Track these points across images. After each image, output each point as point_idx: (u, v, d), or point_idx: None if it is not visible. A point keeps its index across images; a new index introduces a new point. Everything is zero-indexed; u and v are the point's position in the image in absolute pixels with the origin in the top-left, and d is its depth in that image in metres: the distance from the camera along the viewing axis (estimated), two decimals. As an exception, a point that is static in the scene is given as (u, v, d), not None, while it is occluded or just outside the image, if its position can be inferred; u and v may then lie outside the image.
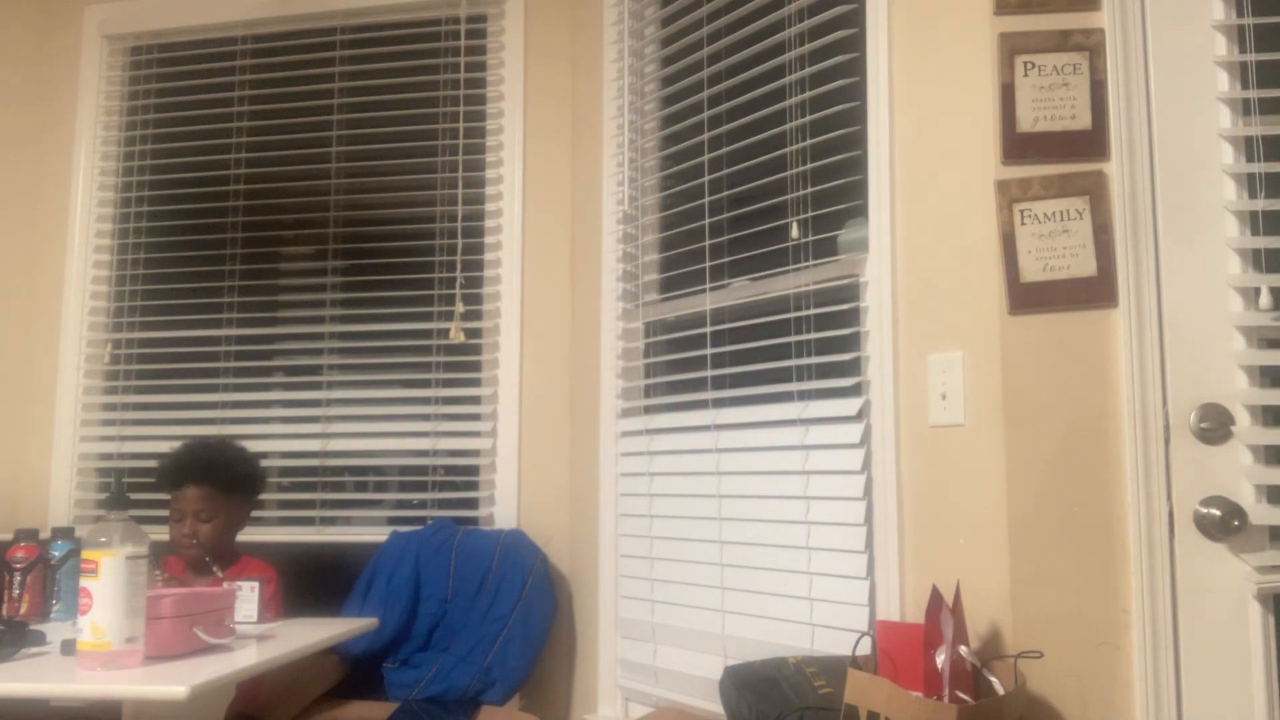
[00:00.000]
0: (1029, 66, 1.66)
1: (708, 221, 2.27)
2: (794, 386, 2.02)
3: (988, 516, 1.63)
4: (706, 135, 2.29)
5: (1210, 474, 1.54)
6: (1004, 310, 1.64)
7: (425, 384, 2.84)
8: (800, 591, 1.94)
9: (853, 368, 1.92)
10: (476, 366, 2.83)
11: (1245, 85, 1.61)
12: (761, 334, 2.12)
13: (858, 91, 1.93)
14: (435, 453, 2.80)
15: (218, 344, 2.95)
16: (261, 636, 1.82)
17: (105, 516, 1.56)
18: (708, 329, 2.24)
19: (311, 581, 2.48)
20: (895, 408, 1.80)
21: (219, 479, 2.24)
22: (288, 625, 1.96)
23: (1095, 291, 1.61)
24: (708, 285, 2.25)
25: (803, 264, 2.04)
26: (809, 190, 2.04)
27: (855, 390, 1.90)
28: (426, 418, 2.82)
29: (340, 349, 2.92)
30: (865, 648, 1.57)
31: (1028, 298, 1.63)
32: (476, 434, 2.78)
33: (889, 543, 1.78)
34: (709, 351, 2.23)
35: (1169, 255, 1.59)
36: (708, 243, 2.26)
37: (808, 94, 2.05)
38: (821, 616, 1.89)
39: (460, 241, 2.83)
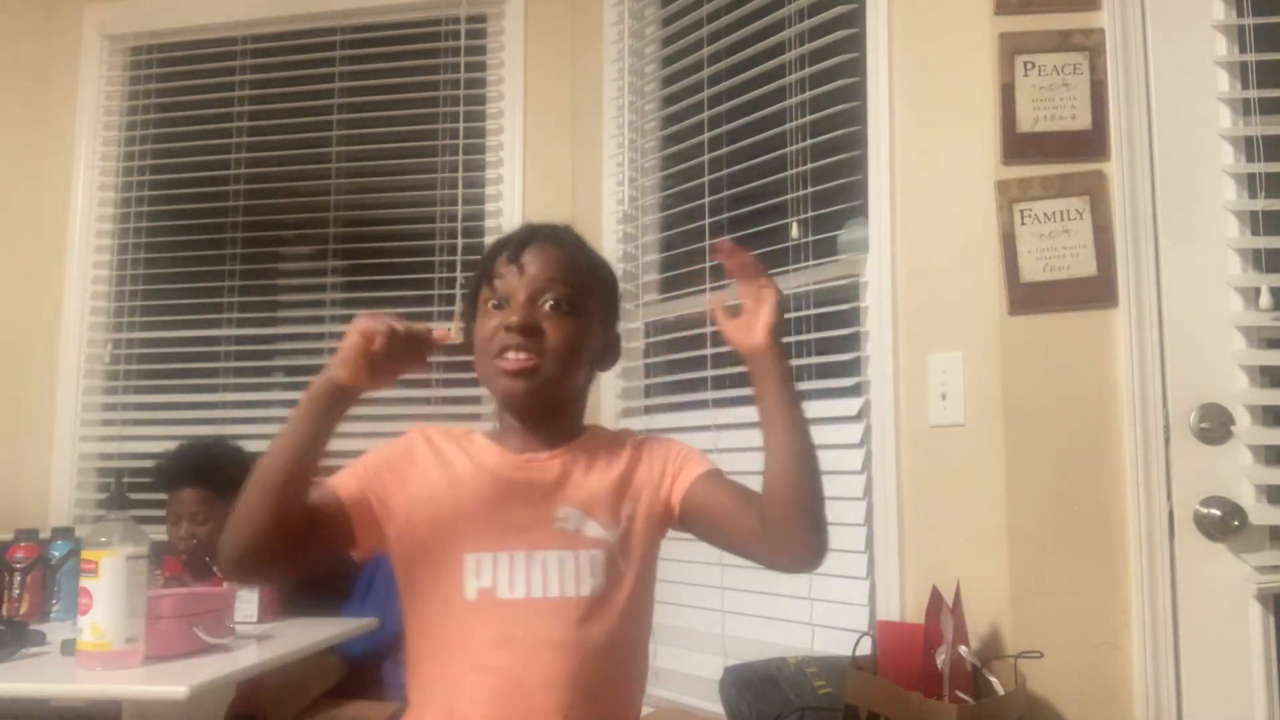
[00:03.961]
0: (1029, 66, 1.66)
1: (708, 221, 2.26)
2: (794, 386, 2.02)
3: (988, 516, 1.63)
4: (707, 135, 2.29)
5: (1210, 474, 1.54)
6: (1004, 310, 1.64)
7: (425, 384, 2.83)
8: (800, 591, 1.93)
9: (853, 368, 1.92)
10: (476, 366, 2.82)
11: (1245, 85, 1.61)
12: (762, 334, 2.11)
13: (858, 91, 1.93)
14: (435, 453, 2.79)
15: (217, 344, 2.95)
16: (261, 636, 1.82)
17: (105, 516, 1.56)
18: (708, 329, 2.23)
19: (311, 581, 2.47)
20: (895, 408, 1.80)
21: (214, 481, 2.22)
22: (288, 625, 1.96)
23: (1095, 292, 1.61)
24: (708, 285, 2.25)
25: (803, 264, 2.04)
26: (809, 190, 2.04)
27: (855, 390, 1.90)
28: (426, 418, 2.81)
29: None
30: (865, 648, 1.57)
31: (1028, 298, 1.63)
32: (476, 434, 2.77)
33: (889, 543, 1.78)
34: (709, 351, 2.23)
35: (1169, 255, 1.59)
36: (708, 243, 2.26)
37: (808, 94, 2.05)
38: (821, 616, 1.89)
39: (460, 241, 2.82)
